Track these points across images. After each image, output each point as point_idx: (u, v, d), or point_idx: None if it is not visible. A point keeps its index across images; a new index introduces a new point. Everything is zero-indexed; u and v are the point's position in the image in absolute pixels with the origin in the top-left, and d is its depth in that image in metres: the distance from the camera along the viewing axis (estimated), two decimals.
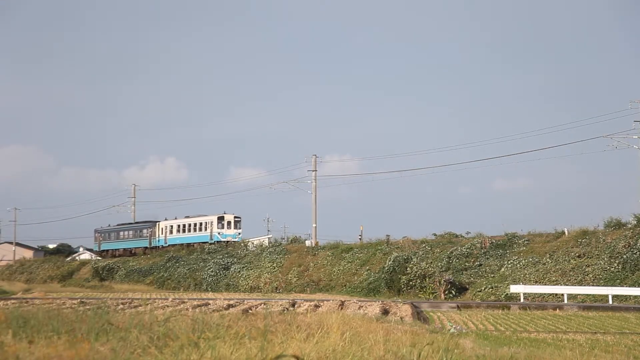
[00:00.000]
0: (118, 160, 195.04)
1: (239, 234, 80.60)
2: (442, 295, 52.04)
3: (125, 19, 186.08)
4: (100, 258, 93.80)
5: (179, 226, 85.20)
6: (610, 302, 45.00)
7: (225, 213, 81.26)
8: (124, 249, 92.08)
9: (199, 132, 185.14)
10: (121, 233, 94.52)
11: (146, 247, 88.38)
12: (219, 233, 79.75)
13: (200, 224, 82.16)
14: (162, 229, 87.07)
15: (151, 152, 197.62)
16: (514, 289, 48.64)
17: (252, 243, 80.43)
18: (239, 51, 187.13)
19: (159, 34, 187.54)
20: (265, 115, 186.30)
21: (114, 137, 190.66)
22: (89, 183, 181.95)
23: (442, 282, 52.65)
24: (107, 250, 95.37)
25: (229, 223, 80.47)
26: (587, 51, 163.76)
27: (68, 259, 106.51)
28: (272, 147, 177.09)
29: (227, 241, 78.84)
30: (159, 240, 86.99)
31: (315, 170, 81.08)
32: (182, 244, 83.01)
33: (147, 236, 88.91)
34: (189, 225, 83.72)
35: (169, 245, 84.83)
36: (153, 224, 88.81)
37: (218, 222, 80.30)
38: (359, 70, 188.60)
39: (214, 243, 78.75)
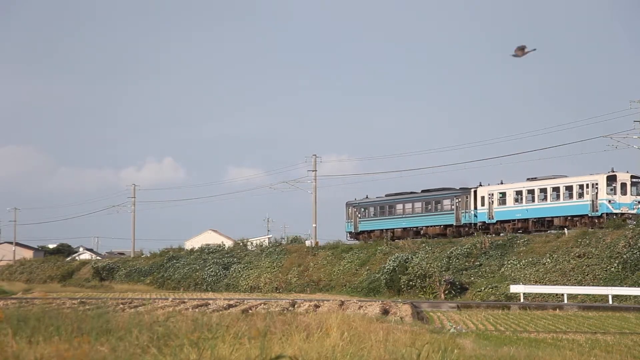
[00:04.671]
0: (116, 160, 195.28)
1: (639, 202, 54.42)
2: (442, 295, 52.04)
3: (124, 19, 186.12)
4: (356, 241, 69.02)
5: (518, 193, 58.69)
6: (610, 302, 44.98)
7: (615, 171, 54.87)
8: (404, 228, 66.15)
9: (197, 133, 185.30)
10: (398, 206, 66.81)
11: (450, 226, 63.46)
12: (609, 201, 53.74)
13: (570, 187, 55.76)
14: (482, 198, 60.76)
15: (149, 153, 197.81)
16: (514, 289, 48.62)
17: (252, 243, 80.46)
18: (238, 52, 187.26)
19: (158, 35, 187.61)
20: (262, 115, 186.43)
21: (112, 137, 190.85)
22: (86, 183, 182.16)
23: (442, 282, 52.66)
24: (371, 232, 69.08)
25: (622, 186, 54.07)
26: (587, 51, 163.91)
27: (68, 259, 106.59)
28: (270, 148, 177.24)
29: (621, 213, 53.76)
30: (476, 216, 61.25)
31: (315, 170, 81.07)
32: (524, 219, 58.59)
33: (451, 209, 63.00)
34: (545, 190, 57.32)
35: (496, 222, 59.98)
36: (463, 191, 62.58)
37: (608, 185, 54.14)
38: (357, 71, 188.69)
39: (600, 217, 54.28)
